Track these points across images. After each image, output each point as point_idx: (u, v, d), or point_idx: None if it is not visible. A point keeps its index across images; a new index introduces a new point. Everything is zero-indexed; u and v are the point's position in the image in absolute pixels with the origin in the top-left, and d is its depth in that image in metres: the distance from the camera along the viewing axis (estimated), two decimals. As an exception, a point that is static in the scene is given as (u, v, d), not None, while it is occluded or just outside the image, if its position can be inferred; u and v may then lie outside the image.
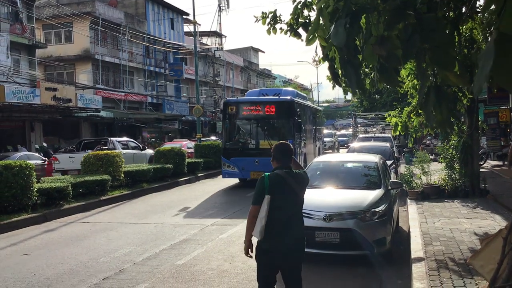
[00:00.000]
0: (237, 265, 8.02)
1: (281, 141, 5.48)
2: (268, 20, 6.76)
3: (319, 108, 33.65)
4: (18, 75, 29.02)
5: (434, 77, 3.33)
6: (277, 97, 19.61)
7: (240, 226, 10.95)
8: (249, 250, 4.88)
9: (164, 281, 7.31)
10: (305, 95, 28.60)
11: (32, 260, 8.73)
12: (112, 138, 25.00)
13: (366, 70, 6.41)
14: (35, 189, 12.79)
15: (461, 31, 7.53)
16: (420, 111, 12.30)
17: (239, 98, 21.48)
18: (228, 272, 7.66)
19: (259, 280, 4.94)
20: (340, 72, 4.36)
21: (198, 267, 7.95)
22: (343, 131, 58.83)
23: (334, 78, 4.14)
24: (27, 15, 31.46)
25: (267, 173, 4.89)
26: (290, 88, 27.98)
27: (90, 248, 9.49)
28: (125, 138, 26.42)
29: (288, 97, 19.07)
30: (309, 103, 26.45)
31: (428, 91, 3.07)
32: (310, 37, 3.52)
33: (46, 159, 23.05)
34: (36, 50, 32.07)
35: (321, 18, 3.26)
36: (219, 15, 53.28)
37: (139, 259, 8.57)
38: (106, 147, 22.70)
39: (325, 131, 41.33)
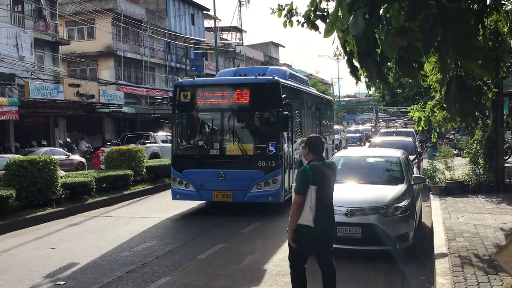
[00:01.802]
0: (259, 259, 8.04)
1: (313, 134, 5.92)
2: (284, 12, 6.70)
3: (327, 97, 25.17)
4: (42, 71, 29.45)
5: (457, 69, 3.27)
6: (255, 77, 12.77)
7: (257, 224, 10.99)
8: (293, 239, 5.23)
9: (187, 275, 7.36)
10: (305, 78, 20.57)
11: (57, 253, 8.88)
12: (152, 133, 25.87)
13: (389, 64, 6.33)
14: (60, 184, 13.00)
15: (485, 23, 7.38)
16: (444, 105, 12.12)
17: (196, 79, 14.32)
18: (250, 266, 7.68)
19: (295, 264, 5.42)
20: (358, 65, 4.33)
21: (220, 261, 7.99)
22: (354, 127, 56.26)
23: (352, 71, 4.09)
24: (50, 12, 31.89)
25: (307, 165, 5.28)
26: (281, 67, 19.97)
27: (113, 242, 9.61)
28: (164, 133, 26.88)
29: (271, 77, 12.19)
30: (311, 89, 19.50)
31: (450, 83, 3.01)
32: (329, 28, 3.46)
33: (70, 154, 23.42)
34: (60, 46, 32.49)
35: (339, 9, 3.22)
36: (240, 10, 53.51)
37: (161, 252, 8.66)
38: (148, 141, 24.17)
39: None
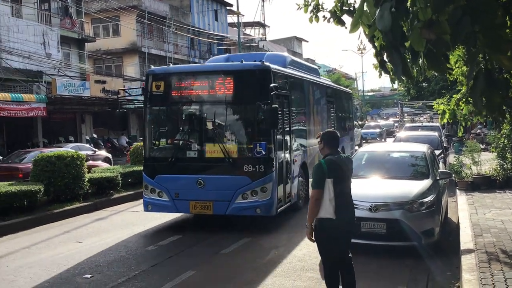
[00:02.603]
0: (284, 254, 8.06)
1: (328, 130, 6.08)
2: (310, 8, 6.69)
3: (344, 89, 22.43)
4: (68, 68, 29.94)
5: (485, 62, 3.22)
6: (240, 63, 10.39)
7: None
8: (312, 234, 5.34)
9: (211, 270, 7.41)
10: (314, 67, 17.76)
11: (84, 247, 9.05)
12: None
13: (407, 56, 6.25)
14: (87, 179, 13.21)
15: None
16: (469, 98, 11.93)
17: (172, 66, 11.54)
18: (274, 261, 7.70)
19: (326, 260, 5.42)
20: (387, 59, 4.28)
21: (245, 255, 8.02)
22: (374, 122, 52.60)
23: (382, 65, 4.06)
24: (76, 10, 32.35)
25: (322, 159, 5.40)
26: (282, 53, 17.27)
27: (139, 236, 9.76)
28: None
29: (259, 63, 9.99)
30: (323, 80, 17.19)
31: (477, 76, 2.97)
32: (355, 24, 3.43)
33: (96, 149, 23.78)
34: (85, 44, 32.96)
35: (365, 4, 3.19)
36: (263, 5, 53.39)
37: (186, 246, 8.75)
38: None
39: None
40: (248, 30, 60.41)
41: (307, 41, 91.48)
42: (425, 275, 6.84)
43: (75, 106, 28.65)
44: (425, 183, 8.27)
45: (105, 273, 7.43)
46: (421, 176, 8.72)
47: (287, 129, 10.83)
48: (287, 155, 10.69)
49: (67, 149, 17.67)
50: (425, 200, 7.72)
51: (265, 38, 55.69)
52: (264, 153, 9.49)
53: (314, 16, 6.68)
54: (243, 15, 49.98)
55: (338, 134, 5.82)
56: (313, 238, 5.35)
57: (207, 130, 10.22)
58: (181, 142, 10.40)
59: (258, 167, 9.51)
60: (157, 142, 10.97)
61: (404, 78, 3.55)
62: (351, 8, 5.74)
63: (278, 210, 9.89)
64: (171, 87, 10.29)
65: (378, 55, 3.89)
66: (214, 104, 10.20)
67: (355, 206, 7.35)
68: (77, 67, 31.25)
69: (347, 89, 23.88)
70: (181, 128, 10.88)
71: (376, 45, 3.75)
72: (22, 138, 26.23)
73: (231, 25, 51.43)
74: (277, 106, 9.41)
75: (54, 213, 11.74)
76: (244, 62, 10.31)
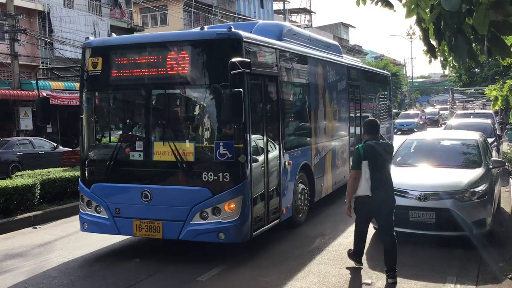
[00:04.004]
0: (328, 242, 8.03)
1: (370, 118, 6.90)
2: None
3: (378, 71, 17.80)
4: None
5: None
6: (200, 30, 7.67)
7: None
8: (350, 210, 6.35)
9: (241, 262, 7.29)
10: (333, 42, 13.49)
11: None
12: None
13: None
14: None
15: None
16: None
17: (113, 36, 8.37)
18: (319, 249, 7.69)
19: (357, 229, 6.52)
20: (436, 44, 4.15)
21: (283, 247, 7.98)
22: (412, 110, 45.13)
23: (430, 50, 3.95)
24: (125, 0, 33.00)
25: (360, 145, 6.26)
26: (281, 22, 13.98)
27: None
28: None
29: (224, 30, 7.13)
30: (343, 59, 12.83)
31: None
32: (412, 7, 3.30)
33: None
34: (134, 33, 33.61)
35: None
36: (309, -9, 52.56)
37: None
38: None
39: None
40: (293, 17, 59.98)
41: (354, 27, 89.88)
42: (476, 266, 6.68)
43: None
44: (477, 172, 8.03)
45: (152, 256, 7.50)
46: (473, 164, 8.48)
47: (275, 122, 8.11)
48: (274, 157, 7.95)
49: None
50: (477, 189, 7.50)
51: (311, 24, 55.04)
52: (229, 155, 6.85)
53: (361, -2, 6.55)
54: (288, 2, 49.61)
55: (378, 122, 6.68)
56: (351, 214, 6.32)
57: (156, 124, 7.51)
58: (122, 140, 7.74)
59: (222, 175, 6.89)
60: (96, 139, 8.22)
61: (462, 63, 3.43)
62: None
63: (255, 233, 7.27)
64: (110, 65, 7.61)
65: (425, 38, 3.77)
66: (165, 88, 7.69)
67: (403, 195, 7.43)
68: (126, 56, 31.85)
69: (382, 71, 19.02)
70: (123, 121, 8.44)
71: (424, 26, 3.63)
72: (74, 126, 27.08)
73: (277, 12, 51.19)
74: (240, 90, 6.47)
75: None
76: (206, 29, 7.50)
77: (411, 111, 43.87)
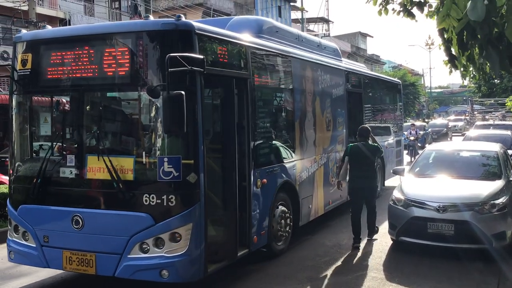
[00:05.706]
0: (344, 251, 7.98)
1: (362, 126, 9.02)
2: (379, 1, 6.59)
3: (386, 78, 15.53)
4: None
5: None
6: (143, 20, 6.83)
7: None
8: (339, 186, 8.89)
9: (265, 266, 7.34)
10: (331, 44, 11.85)
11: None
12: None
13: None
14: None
15: None
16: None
17: (47, 29, 6.67)
18: (335, 258, 7.64)
19: (352, 206, 8.49)
20: (457, 54, 4.12)
21: (305, 253, 7.99)
22: (419, 122, 36.26)
23: (451, 60, 3.92)
24: (145, 8, 33.41)
25: (350, 145, 8.60)
26: (263, 17, 11.96)
27: None
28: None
29: (171, 20, 5.87)
30: (341, 63, 11.22)
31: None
32: (443, 17, 3.25)
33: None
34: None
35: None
36: (327, 0, 52.63)
37: None
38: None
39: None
40: (311, 26, 60.06)
41: (372, 37, 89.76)
42: (495, 279, 6.57)
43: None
44: (497, 184, 7.91)
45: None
46: (493, 176, 8.36)
47: (242, 133, 6.72)
48: (240, 175, 6.63)
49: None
50: (497, 201, 7.39)
51: (329, 34, 55.05)
52: (176, 174, 5.57)
53: (383, 8, 6.57)
54: (306, 11, 49.73)
55: (369, 128, 8.62)
56: (341, 188, 8.90)
57: (90, 134, 6.26)
58: (51, 153, 6.37)
59: (167, 197, 5.58)
60: (24, 152, 6.79)
61: (494, 73, 3.39)
62: (421, 0, 5.60)
63: (210, 269, 5.96)
64: (39, 63, 6.37)
65: (447, 49, 3.75)
66: (101, 91, 6.50)
67: (421, 206, 7.39)
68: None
69: (391, 78, 17.00)
70: (52, 131, 7.17)
71: (446, 37, 3.61)
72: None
73: (295, 21, 51.30)
74: (180, 93, 5.27)
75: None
76: (151, 19, 6.37)
77: (418, 123, 34.55)
